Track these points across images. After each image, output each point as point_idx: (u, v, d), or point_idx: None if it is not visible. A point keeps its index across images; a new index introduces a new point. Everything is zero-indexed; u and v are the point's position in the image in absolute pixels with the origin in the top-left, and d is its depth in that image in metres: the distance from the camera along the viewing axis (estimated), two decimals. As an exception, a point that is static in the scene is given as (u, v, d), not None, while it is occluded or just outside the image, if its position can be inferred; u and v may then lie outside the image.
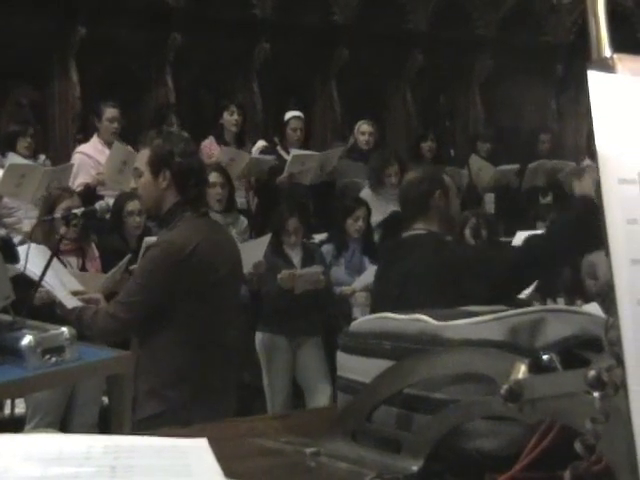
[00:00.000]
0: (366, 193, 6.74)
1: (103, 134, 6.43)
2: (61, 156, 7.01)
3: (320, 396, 5.29)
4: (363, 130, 7.62)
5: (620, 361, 0.73)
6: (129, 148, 6.11)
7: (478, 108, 9.99)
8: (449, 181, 3.62)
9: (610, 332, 0.75)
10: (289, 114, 7.26)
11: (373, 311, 3.51)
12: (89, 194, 5.86)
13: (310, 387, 5.44)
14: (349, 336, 1.24)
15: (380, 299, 3.54)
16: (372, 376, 1.13)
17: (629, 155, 0.76)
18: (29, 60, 7.44)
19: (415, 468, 1.04)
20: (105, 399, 5.12)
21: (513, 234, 5.75)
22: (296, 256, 5.51)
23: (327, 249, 5.96)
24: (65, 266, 4.37)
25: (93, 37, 7.46)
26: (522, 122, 9.81)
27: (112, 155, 6.15)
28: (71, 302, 3.36)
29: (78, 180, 6.15)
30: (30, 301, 3.17)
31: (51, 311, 3.56)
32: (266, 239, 5.26)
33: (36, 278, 3.22)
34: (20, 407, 4.95)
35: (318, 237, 6.31)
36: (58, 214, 4.22)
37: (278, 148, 7.20)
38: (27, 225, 5.67)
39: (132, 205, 5.27)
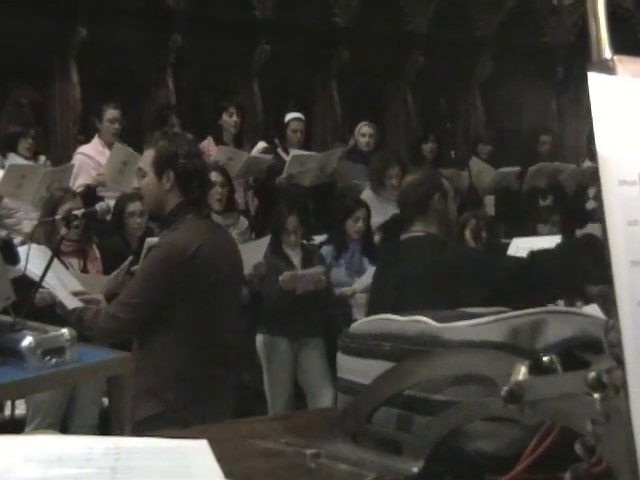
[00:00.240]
0: (367, 195, 6.74)
1: (104, 135, 6.43)
2: (62, 157, 7.01)
3: (322, 398, 5.28)
4: (364, 132, 7.62)
5: (620, 362, 0.73)
6: (130, 149, 6.11)
7: (478, 109, 10.00)
8: (447, 184, 3.63)
9: (610, 333, 0.75)
10: (289, 115, 7.26)
11: (370, 312, 3.52)
12: (89, 195, 5.86)
13: (312, 389, 5.44)
14: (349, 337, 1.24)
15: (377, 300, 3.55)
16: (372, 377, 1.13)
17: (629, 156, 0.76)
18: (29, 61, 7.45)
19: (415, 469, 1.04)
20: (105, 400, 5.12)
21: (513, 236, 5.75)
22: (296, 257, 5.51)
23: (327, 250, 5.96)
24: (66, 267, 4.37)
25: (94, 38, 7.46)
26: (522, 123, 9.81)
27: (113, 156, 6.15)
28: (72, 302, 3.36)
29: (79, 181, 6.15)
30: (30, 302, 3.16)
31: (51, 312, 3.56)
32: (266, 240, 5.26)
33: (36, 279, 3.22)
34: (20, 408, 4.95)
35: (318, 238, 6.31)
36: (58, 215, 4.22)
37: (278, 149, 7.20)
38: (27, 226, 5.67)
39: (133, 206, 5.27)
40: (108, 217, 4.90)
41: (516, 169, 8.19)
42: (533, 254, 3.29)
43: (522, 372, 0.93)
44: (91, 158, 6.35)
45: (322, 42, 8.74)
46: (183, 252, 3.23)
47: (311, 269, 5.40)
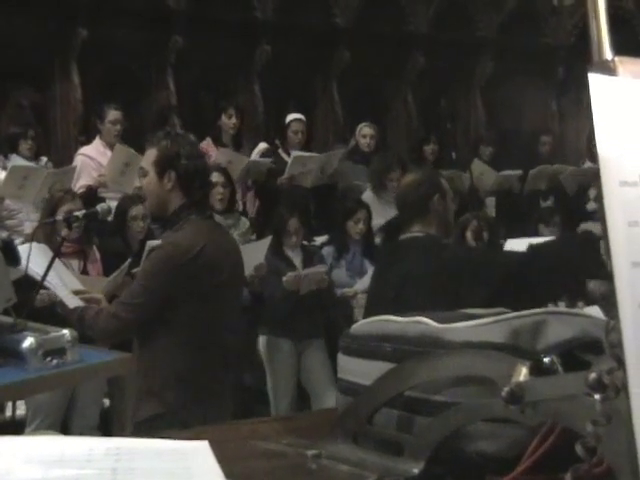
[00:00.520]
0: (367, 196, 6.73)
1: (105, 136, 6.43)
2: (63, 158, 7.01)
3: (326, 399, 5.27)
4: (364, 133, 7.62)
5: (621, 363, 0.73)
6: (131, 150, 6.11)
7: (479, 110, 10.00)
8: (446, 184, 3.63)
9: (611, 334, 0.75)
10: (290, 116, 7.26)
11: (368, 312, 3.52)
12: (91, 196, 5.86)
13: (316, 390, 5.43)
14: (350, 338, 1.24)
15: (376, 301, 3.55)
16: (373, 378, 1.13)
17: (630, 157, 0.76)
18: (30, 62, 7.45)
19: (416, 471, 1.04)
20: (106, 401, 5.12)
21: (514, 237, 5.74)
22: (297, 258, 5.50)
23: (328, 251, 5.96)
24: (67, 268, 4.37)
25: (94, 39, 7.47)
26: (523, 124, 9.81)
27: (114, 157, 6.15)
28: (73, 302, 3.36)
29: (80, 182, 6.15)
30: (31, 303, 3.16)
31: (52, 313, 3.56)
32: (267, 241, 5.26)
33: (38, 278, 3.22)
34: (21, 409, 4.95)
35: (319, 239, 6.31)
36: (59, 216, 4.22)
37: (279, 151, 7.20)
38: (28, 227, 5.67)
39: (136, 210, 5.26)
40: (109, 218, 4.90)
41: (518, 172, 8.19)
42: (532, 247, 3.30)
43: (523, 373, 0.93)
44: (92, 159, 6.35)
45: (323, 43, 8.74)
46: (186, 253, 3.23)
47: (313, 268, 5.40)
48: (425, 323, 1.13)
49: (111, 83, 7.71)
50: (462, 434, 1.03)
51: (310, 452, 1.13)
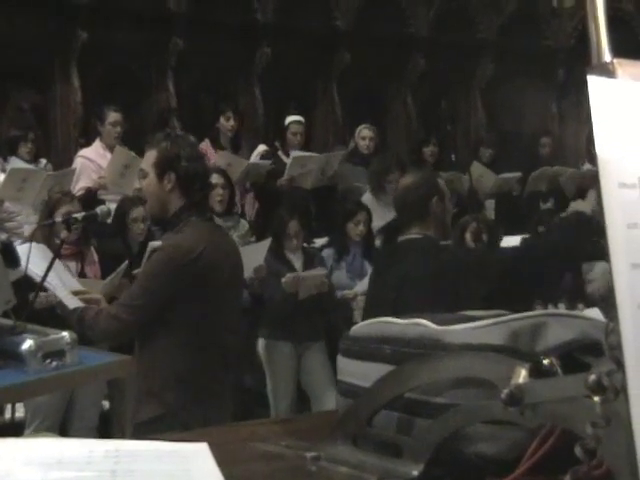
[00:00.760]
0: (367, 198, 6.73)
1: (106, 138, 6.43)
2: (62, 160, 7.02)
3: (326, 401, 5.27)
4: (364, 135, 7.62)
5: (620, 365, 0.73)
6: (131, 152, 6.12)
7: (479, 112, 10.00)
8: (444, 186, 3.63)
9: (610, 336, 0.75)
10: (290, 118, 7.26)
11: (367, 314, 3.52)
12: (90, 198, 5.86)
13: (315, 392, 5.42)
14: (349, 340, 1.24)
15: (375, 303, 3.55)
16: (372, 380, 1.13)
17: (629, 159, 0.76)
18: (30, 64, 7.45)
19: (416, 473, 1.04)
20: (105, 403, 5.12)
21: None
22: (297, 260, 5.50)
23: (328, 253, 5.95)
24: (65, 269, 4.37)
25: (94, 41, 7.47)
26: (523, 126, 9.82)
27: (114, 159, 6.16)
28: (72, 302, 3.36)
29: (80, 184, 6.16)
30: (31, 306, 3.16)
31: (51, 314, 3.55)
32: (267, 243, 5.25)
33: (37, 279, 3.22)
34: (20, 412, 4.95)
35: (319, 241, 6.31)
36: (58, 218, 4.21)
37: (279, 152, 7.21)
38: (27, 230, 5.67)
39: (137, 212, 5.26)
40: (109, 220, 4.90)
41: (517, 174, 8.19)
42: (525, 240, 3.31)
43: (522, 375, 0.93)
44: (92, 161, 6.36)
45: (323, 45, 8.75)
46: (187, 255, 3.24)
47: (313, 271, 5.39)
48: (424, 325, 1.13)
49: (111, 85, 7.71)
50: (462, 436, 1.03)
51: (309, 454, 1.13)
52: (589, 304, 4.61)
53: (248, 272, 4.46)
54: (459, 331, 1.09)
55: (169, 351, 3.24)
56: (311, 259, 5.57)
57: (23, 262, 2.95)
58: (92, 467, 0.87)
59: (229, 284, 3.39)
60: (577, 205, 3.39)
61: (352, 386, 1.19)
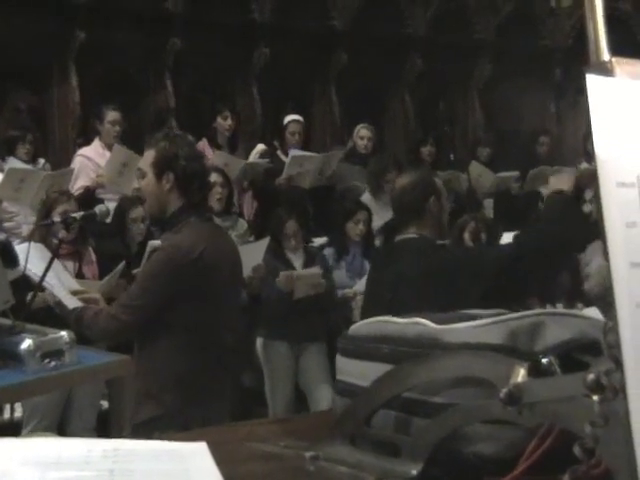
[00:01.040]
0: (366, 198, 6.74)
1: (105, 137, 6.43)
2: (60, 160, 7.01)
3: (323, 401, 5.27)
4: (362, 135, 7.62)
5: (619, 364, 0.73)
6: (129, 151, 6.11)
7: (477, 112, 10.00)
8: (440, 185, 3.63)
9: (609, 335, 0.75)
10: (288, 118, 7.26)
11: (364, 314, 3.52)
12: (88, 197, 5.86)
13: (312, 392, 5.42)
14: (348, 340, 1.24)
15: (372, 302, 3.55)
16: (371, 380, 1.12)
17: (628, 158, 0.76)
18: (28, 64, 7.43)
19: (414, 472, 1.04)
20: (104, 403, 5.12)
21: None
22: (297, 260, 5.49)
23: (328, 252, 5.95)
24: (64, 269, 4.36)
25: (92, 41, 7.46)
26: (521, 125, 9.81)
27: (112, 157, 6.15)
28: (71, 302, 3.36)
29: (78, 183, 6.15)
30: (30, 305, 3.16)
31: (50, 314, 3.55)
32: (265, 242, 5.23)
33: (36, 278, 3.22)
34: (19, 411, 4.94)
35: (318, 241, 6.30)
36: (57, 218, 4.21)
37: (278, 152, 7.21)
38: (26, 230, 5.66)
39: (136, 212, 5.26)
40: (107, 220, 4.90)
41: (515, 173, 8.19)
42: (517, 237, 3.30)
43: (521, 374, 0.93)
44: (91, 160, 6.35)
45: (321, 45, 8.74)
46: (186, 255, 3.23)
47: (308, 270, 5.37)
48: (423, 324, 1.13)
49: (109, 85, 7.70)
50: (460, 435, 1.03)
51: (308, 454, 1.13)
52: (588, 303, 4.62)
53: (246, 271, 4.45)
54: (458, 330, 1.09)
55: (168, 351, 3.24)
56: (312, 258, 5.55)
57: (21, 262, 2.95)
58: (90, 467, 0.87)
59: (229, 284, 3.39)
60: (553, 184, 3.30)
61: (350, 385, 1.19)
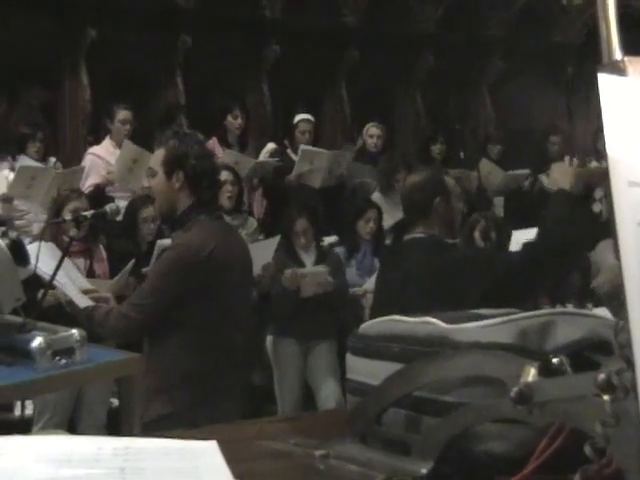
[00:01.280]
0: (377, 197, 6.73)
1: (115, 136, 6.44)
2: (71, 158, 7.02)
3: (331, 399, 5.27)
4: (371, 133, 7.61)
5: (630, 364, 0.73)
6: (139, 147, 6.12)
7: (488, 109, 9.98)
8: (450, 184, 3.62)
9: (620, 335, 0.75)
10: (298, 117, 7.26)
11: (373, 313, 3.53)
12: (99, 195, 5.87)
13: (321, 390, 5.42)
14: (358, 338, 1.24)
15: (381, 301, 3.56)
16: (381, 378, 1.13)
17: (639, 158, 0.76)
18: (39, 62, 7.46)
19: (424, 471, 1.04)
20: (114, 400, 5.13)
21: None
22: (309, 258, 5.47)
23: (338, 251, 5.94)
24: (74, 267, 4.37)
25: (103, 39, 7.48)
26: (532, 123, 9.79)
27: (122, 154, 6.16)
28: (82, 301, 3.36)
29: (89, 181, 6.17)
30: (40, 303, 3.17)
31: (60, 312, 3.56)
32: (275, 240, 5.23)
33: (46, 277, 3.23)
34: (29, 409, 4.96)
35: (328, 240, 6.29)
36: (68, 216, 4.22)
37: (288, 151, 7.21)
38: (37, 228, 5.68)
39: (147, 212, 5.27)
40: (118, 218, 4.91)
41: (526, 171, 8.16)
42: (525, 245, 3.30)
43: (532, 373, 0.93)
44: (102, 158, 6.37)
45: (331, 43, 8.73)
46: (197, 253, 3.23)
47: (314, 267, 5.36)
48: (433, 323, 1.13)
49: (120, 83, 7.72)
50: (470, 434, 1.03)
51: (318, 452, 1.13)
52: (597, 303, 4.60)
53: (256, 269, 4.45)
54: (468, 329, 1.09)
55: (178, 350, 3.24)
56: (324, 257, 5.53)
57: (33, 261, 2.96)
58: (101, 464, 0.88)
59: (239, 283, 3.39)
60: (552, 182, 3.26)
61: (361, 384, 1.19)
